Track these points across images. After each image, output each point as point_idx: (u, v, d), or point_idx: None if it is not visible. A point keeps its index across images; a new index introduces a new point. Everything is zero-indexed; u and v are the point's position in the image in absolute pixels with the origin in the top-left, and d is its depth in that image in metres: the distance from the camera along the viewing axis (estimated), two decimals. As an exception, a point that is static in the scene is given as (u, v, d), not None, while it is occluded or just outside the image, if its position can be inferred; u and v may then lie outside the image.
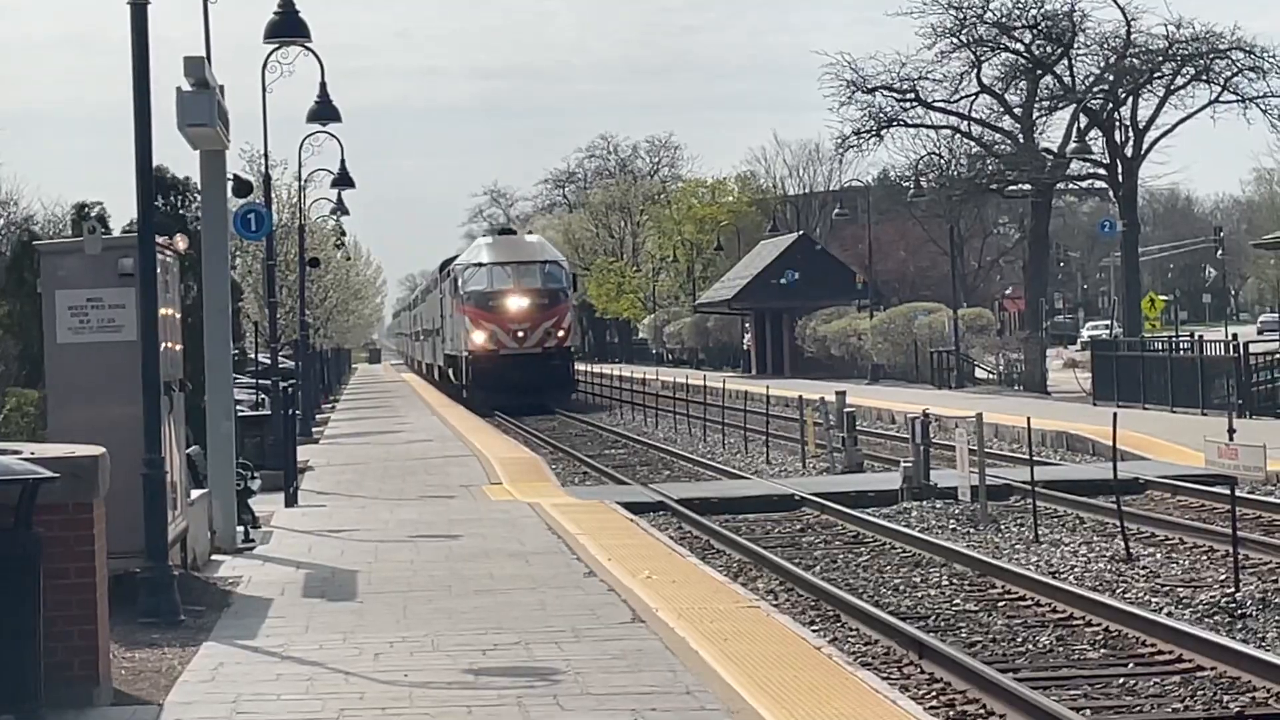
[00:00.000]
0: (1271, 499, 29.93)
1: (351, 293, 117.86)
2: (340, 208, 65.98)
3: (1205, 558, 23.74)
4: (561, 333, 74.80)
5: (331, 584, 20.27)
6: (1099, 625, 19.26)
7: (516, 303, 76.71)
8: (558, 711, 12.93)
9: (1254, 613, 19.59)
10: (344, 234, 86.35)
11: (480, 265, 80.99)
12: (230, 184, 26.58)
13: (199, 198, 24.74)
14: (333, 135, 49.47)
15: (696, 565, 20.67)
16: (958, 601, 21.13)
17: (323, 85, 39.63)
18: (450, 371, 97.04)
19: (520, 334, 75.65)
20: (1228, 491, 25.85)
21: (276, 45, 30.78)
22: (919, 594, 21.67)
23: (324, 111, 40.04)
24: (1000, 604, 20.93)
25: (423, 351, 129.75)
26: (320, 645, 16.02)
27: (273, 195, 46.33)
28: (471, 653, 15.35)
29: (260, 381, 39.31)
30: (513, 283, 76.37)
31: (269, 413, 34.08)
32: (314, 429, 54.25)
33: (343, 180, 55.64)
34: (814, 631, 17.19)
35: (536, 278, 78.01)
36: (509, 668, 14.61)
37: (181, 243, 22.36)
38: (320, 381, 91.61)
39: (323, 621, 17.51)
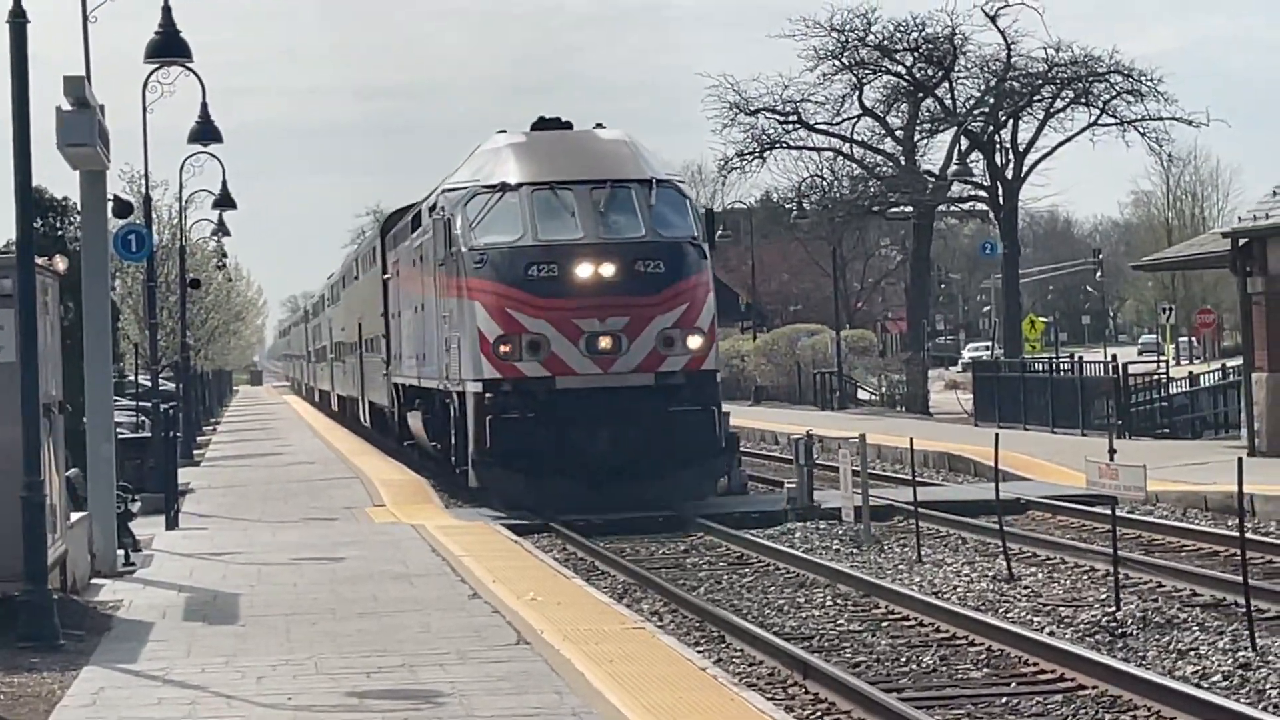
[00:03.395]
0: (1151, 519, 30.14)
1: (233, 314, 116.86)
2: (221, 229, 65.08)
3: (1086, 577, 23.86)
4: (695, 340, 32.93)
5: (213, 607, 20.16)
6: (982, 645, 19.31)
7: (596, 271, 32.00)
8: (438, 736, 12.93)
9: (1134, 631, 19.68)
10: (225, 255, 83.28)
11: (507, 189, 32.94)
12: (110, 204, 26.47)
13: (78, 218, 24.59)
14: (214, 156, 49.30)
15: (582, 587, 20.68)
16: (842, 622, 21.16)
17: (204, 106, 39.42)
18: (417, 420, 41.91)
19: (606, 341, 32.27)
20: (1108, 511, 26.02)
21: (157, 65, 30.65)
22: (803, 614, 21.69)
23: (205, 132, 39.83)
24: (884, 624, 20.98)
25: (331, 378, 76.24)
26: (202, 669, 15.96)
27: (153, 216, 46.01)
28: (355, 675, 15.31)
29: (141, 404, 39.05)
30: (584, 227, 32.45)
31: (149, 435, 33.90)
32: (195, 451, 53.95)
33: (224, 201, 55.35)
34: (699, 653, 17.19)
35: (637, 215, 33.04)
36: (393, 690, 14.58)
37: (61, 263, 22.24)
38: (201, 403, 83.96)
39: (205, 645, 17.43)
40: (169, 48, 28.94)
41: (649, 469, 26.74)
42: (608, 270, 27.06)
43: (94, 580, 22.16)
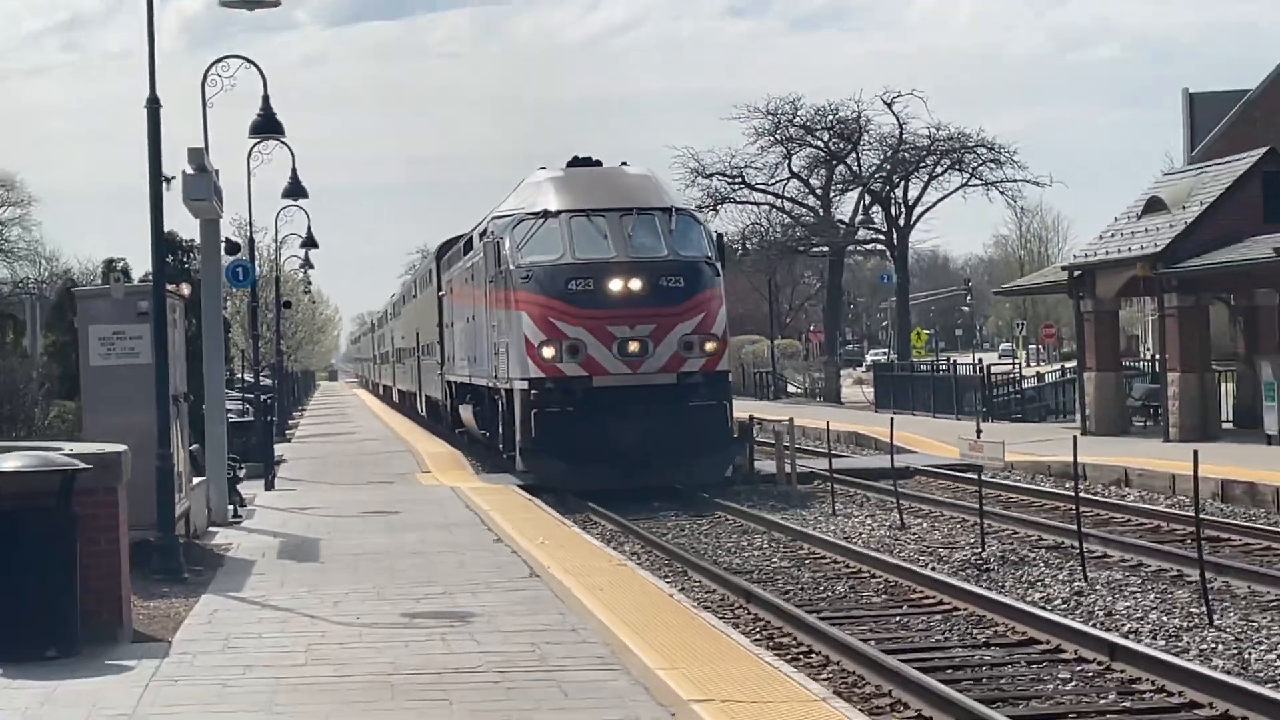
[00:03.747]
0: (1008, 482, 30.19)
1: (316, 328, 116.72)
2: (307, 263, 64.85)
3: (959, 526, 23.89)
4: (713, 344, 31.53)
5: (300, 549, 20.19)
6: (880, 577, 19.41)
7: (627, 286, 30.24)
8: (473, 644, 12.96)
9: (996, 567, 19.80)
10: (310, 283, 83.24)
11: (549, 216, 31.11)
12: (223, 245, 26.56)
13: (199, 255, 24.54)
14: (301, 207, 48.95)
15: (578, 534, 20.66)
16: (775, 560, 21.30)
17: (294, 170, 39.26)
18: (468, 411, 39.10)
19: (635, 345, 30.25)
20: (976, 476, 26.13)
21: (258, 140, 30.51)
22: (746, 554, 21.74)
23: (295, 189, 39.68)
24: (807, 561, 21.07)
25: (395, 374, 73.11)
26: (292, 596, 16.04)
27: (255, 253, 45.74)
28: (408, 601, 15.39)
29: (246, 396, 38.89)
30: (616, 247, 30.75)
31: (252, 419, 33.77)
32: (287, 431, 53.76)
33: (309, 242, 55.23)
34: (668, 583, 17.19)
35: (660, 238, 31.65)
36: (437, 611, 14.65)
37: (186, 289, 22.46)
38: (291, 395, 79.43)
39: (294, 578, 17.51)
40: (267, 126, 28.84)
41: (671, 457, 25.18)
42: (636, 285, 25.47)
43: (210, 529, 22.17)
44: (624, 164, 30.33)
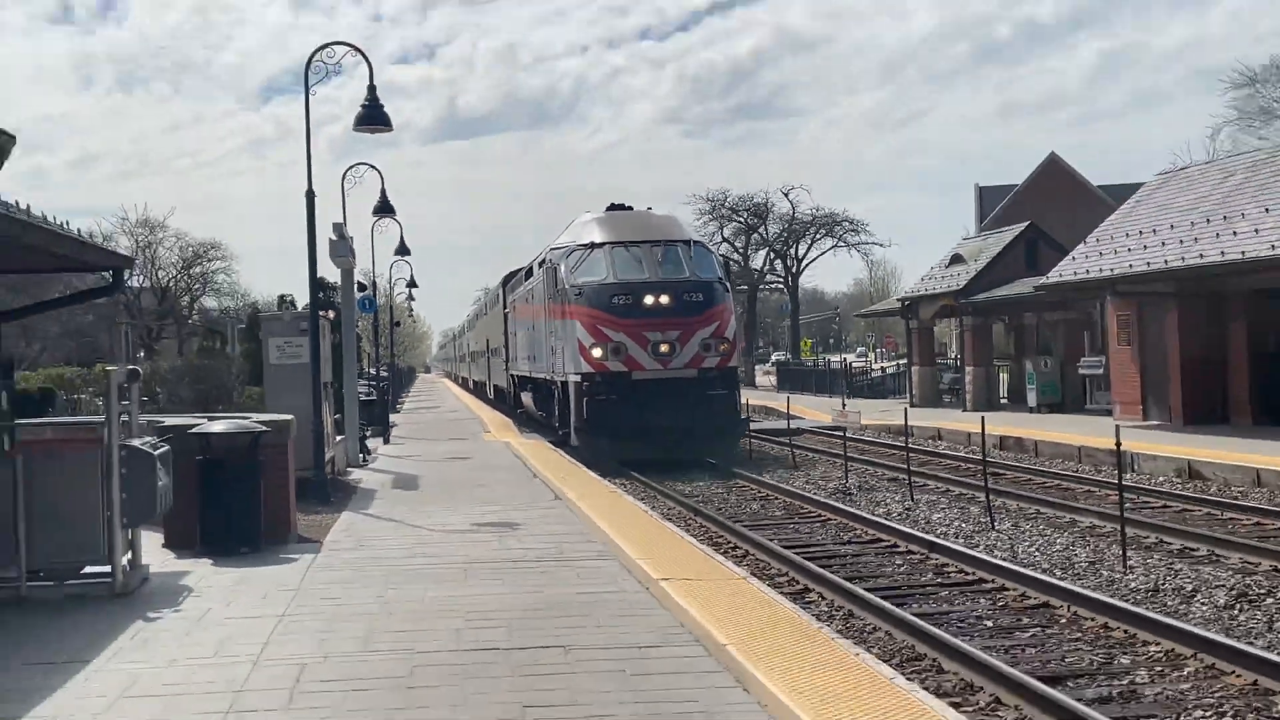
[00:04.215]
0: (864, 438, 30.19)
1: (415, 338, 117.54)
2: (410, 295, 65.43)
3: (832, 467, 23.88)
4: (725, 346, 26.54)
5: (406, 482, 20.19)
6: (779, 499, 19.34)
7: (657, 300, 25.61)
8: (517, 541, 13.02)
9: (855, 493, 19.76)
10: (412, 309, 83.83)
11: (595, 246, 26.67)
12: (356, 285, 26.55)
13: (340, 292, 24.63)
14: (406, 261, 48.90)
15: (586, 472, 20.61)
16: (713, 489, 21.04)
17: (401, 236, 39.18)
18: (528, 397, 35.47)
19: (665, 347, 25.57)
20: (842, 433, 26.18)
21: (378, 217, 30.58)
22: (694, 485, 21.55)
23: (401, 249, 39.68)
24: (733, 490, 20.95)
25: (470, 368, 70.84)
26: (401, 512, 16.06)
27: (376, 290, 45.67)
28: (476, 515, 15.38)
29: (371, 383, 38.77)
30: (649, 271, 26.20)
31: (375, 398, 33.76)
32: (397, 405, 53.88)
33: (412, 283, 55.59)
34: (644, 503, 17.18)
35: (682, 264, 26.79)
36: (494, 522, 14.65)
37: (331, 315, 22.49)
38: (400, 383, 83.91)
39: (402, 501, 17.53)
40: (384, 208, 28.92)
41: (694, 434, 22.80)
42: (665, 299, 23.07)
43: (347, 469, 22.15)
44: (649, 208, 28.59)
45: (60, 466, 10.77)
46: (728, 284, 25.61)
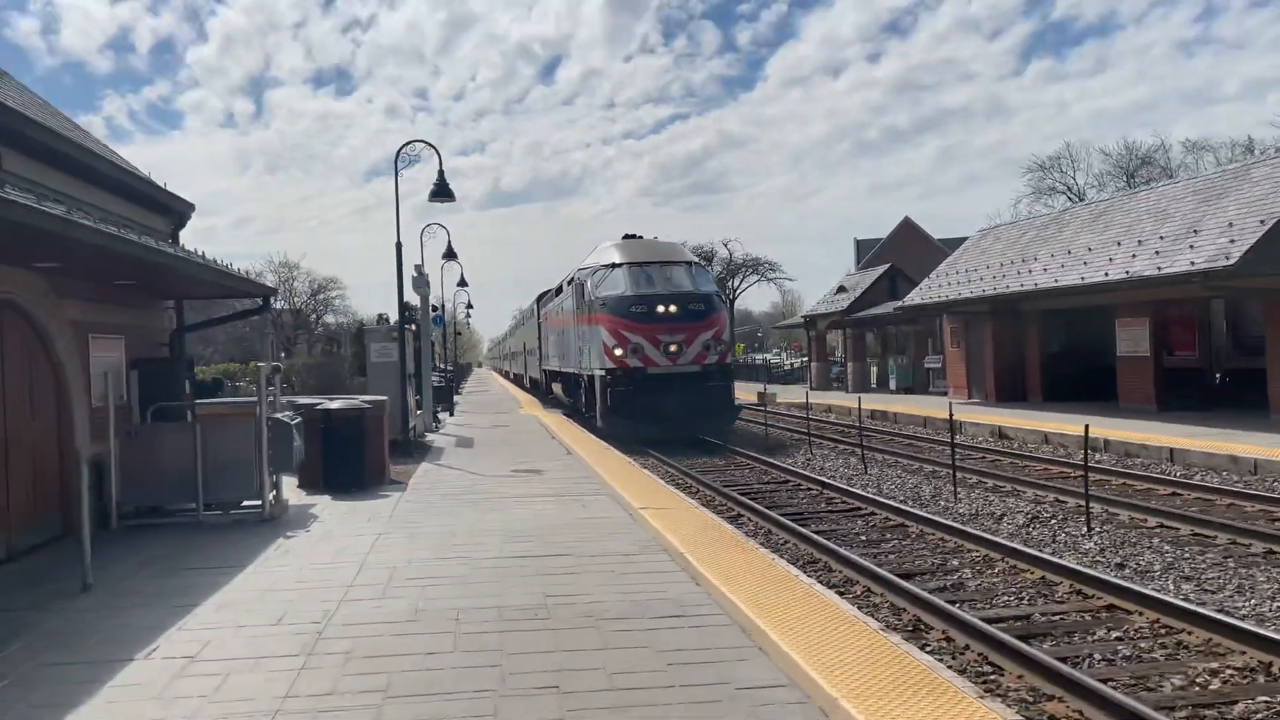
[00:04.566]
0: (780, 411, 30.13)
1: (471, 344, 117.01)
2: (469, 314, 65.52)
3: (758, 429, 23.74)
4: (722, 346, 22.21)
5: (467, 442, 20.00)
6: (720, 453, 19.12)
7: (667, 309, 21.75)
8: (540, 483, 12.85)
9: (775, 448, 19.65)
10: (469, 323, 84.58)
11: (615, 266, 22.70)
12: (430, 308, 26.34)
13: (420, 312, 24.37)
14: (466, 291, 48.87)
15: (593, 437, 20.44)
16: (674, 445, 20.13)
17: (461, 275, 39.23)
18: (559, 387, 30.67)
19: (674, 347, 21.48)
20: (765, 407, 26.09)
21: (445, 261, 30.42)
22: (672, 449, 21.29)
23: (462, 281, 39.67)
24: (688, 446, 20.51)
25: (510, 364, 65.74)
26: (462, 462, 15.86)
27: (444, 311, 45.45)
28: (513, 463, 15.23)
29: (442, 374, 38.57)
30: (660, 286, 22.29)
31: (444, 384, 33.55)
32: (459, 391, 53.75)
33: (469, 305, 55.73)
34: (639, 463, 17.08)
35: (686, 279, 22.44)
36: (527, 469, 14.50)
37: (413, 328, 22.24)
38: (460, 375, 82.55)
39: (463, 455, 17.32)
40: (450, 254, 28.73)
41: (696, 417, 20.17)
42: (674, 309, 20.14)
43: (425, 434, 21.94)
44: (656, 237, 25.41)
45: (226, 432, 10.74)
46: (723, 297, 22.42)
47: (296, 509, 11.32)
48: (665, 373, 20.05)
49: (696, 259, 22.55)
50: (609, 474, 13.17)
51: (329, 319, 73.25)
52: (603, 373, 20.33)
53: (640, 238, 24.99)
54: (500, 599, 6.79)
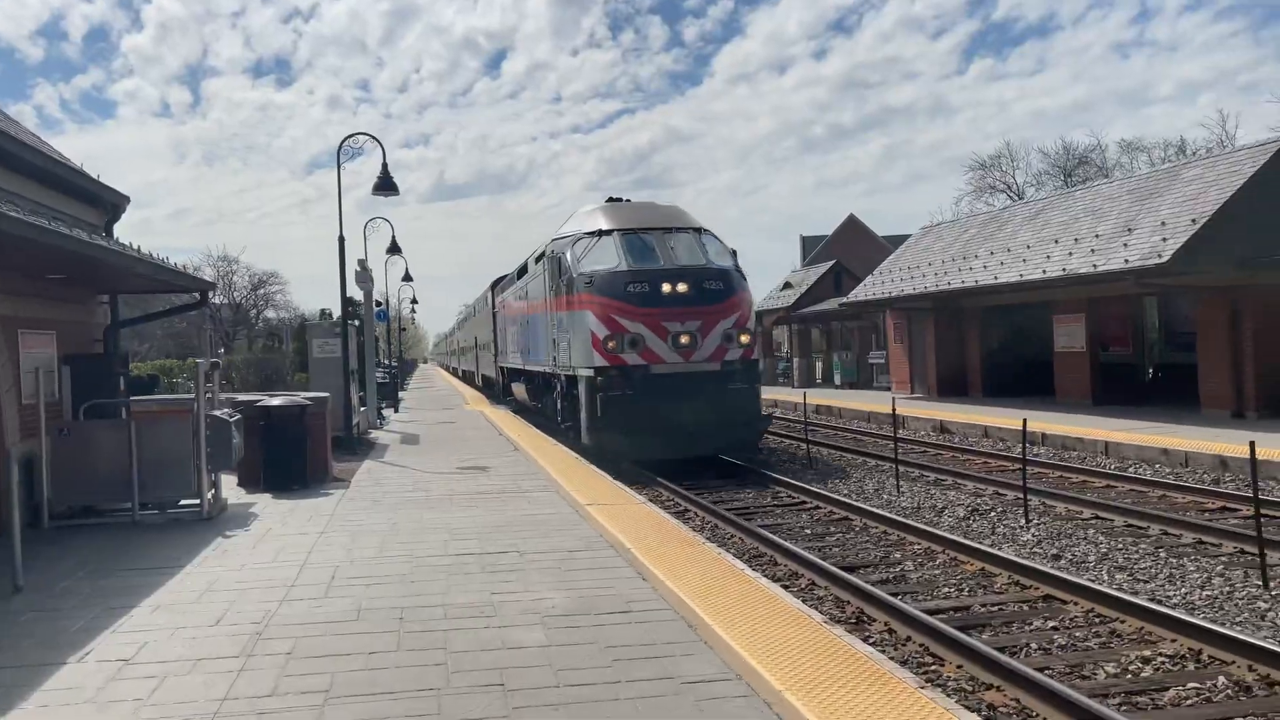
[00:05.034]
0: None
1: (416, 339, 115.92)
2: (413, 309, 64.88)
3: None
4: (746, 337, 15.28)
5: (412, 439, 19.80)
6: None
7: (675, 289, 15.05)
8: (486, 479, 12.75)
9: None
10: (415, 318, 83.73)
11: (604, 234, 16.07)
12: (374, 303, 26.03)
13: (363, 307, 24.08)
14: (411, 286, 48.58)
15: (537, 431, 20.39)
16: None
17: (406, 269, 39.03)
18: (520, 387, 23.95)
19: (685, 338, 14.96)
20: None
21: (390, 255, 30.09)
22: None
23: (407, 277, 39.32)
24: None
25: (459, 361, 59.99)
26: (407, 459, 15.70)
27: (388, 306, 44.97)
28: (459, 460, 15.07)
29: (386, 370, 38.16)
30: (664, 258, 15.45)
31: (389, 381, 33.16)
32: (405, 386, 53.23)
33: (414, 301, 55.38)
34: (577, 456, 17.07)
35: (697, 251, 15.82)
36: (473, 466, 14.38)
37: (356, 323, 21.96)
38: (405, 371, 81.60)
39: (408, 452, 17.14)
40: (394, 249, 28.49)
41: (714, 432, 15.26)
42: (684, 288, 15.34)
43: (368, 430, 21.69)
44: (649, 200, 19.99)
45: (162, 430, 10.52)
46: (743, 272, 16.65)
47: (236, 508, 11.13)
48: (675, 372, 15.12)
49: (705, 226, 17.24)
50: (556, 470, 13.14)
51: (270, 314, 71.98)
52: (590, 372, 15.31)
53: (628, 201, 19.25)
54: (445, 597, 6.74)
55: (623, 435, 14.99)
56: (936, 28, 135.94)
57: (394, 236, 27.81)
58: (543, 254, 18.58)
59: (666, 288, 15.23)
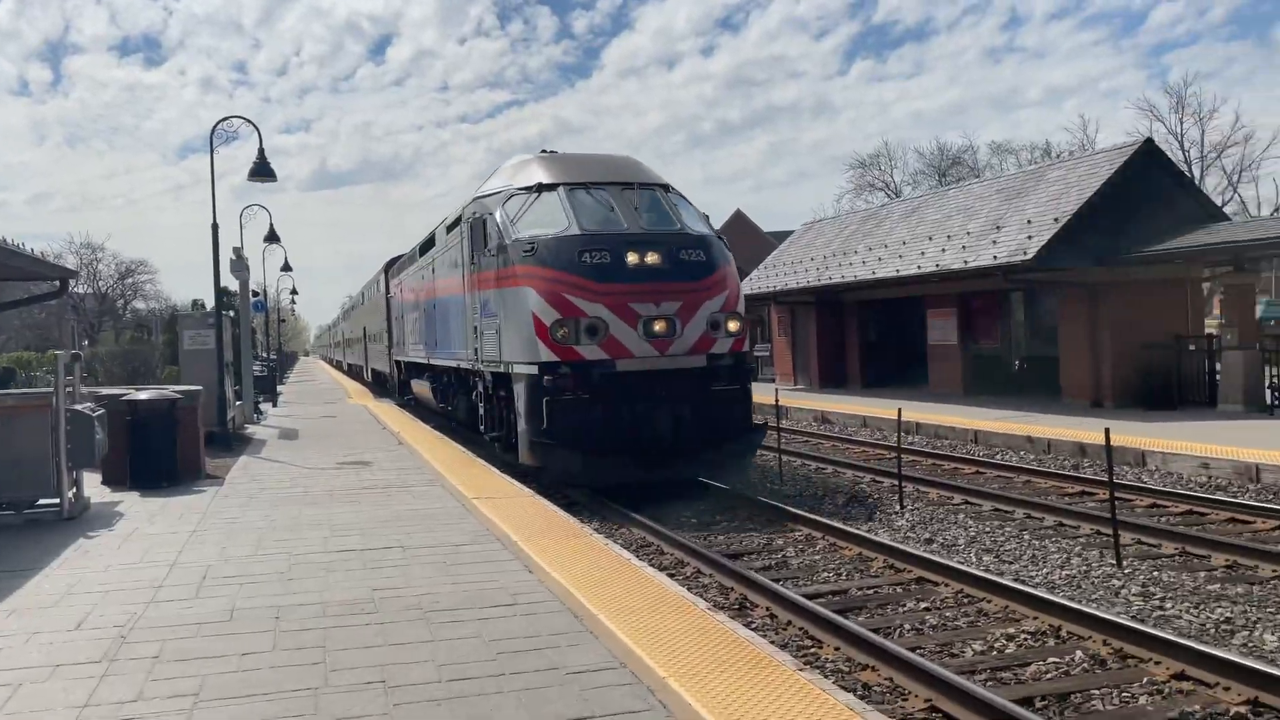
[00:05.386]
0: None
1: (296, 331, 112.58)
2: (293, 300, 62.98)
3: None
4: (737, 324, 10.84)
5: (289, 434, 19.20)
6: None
7: (643, 260, 10.34)
8: (369, 474, 12.49)
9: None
10: (294, 310, 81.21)
11: (546, 189, 11.17)
12: (250, 293, 25.10)
13: (239, 298, 23.21)
14: (291, 276, 46.96)
15: (420, 423, 20.04)
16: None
17: (285, 258, 37.67)
18: (423, 386, 19.28)
19: (661, 324, 10.48)
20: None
21: (268, 244, 29.08)
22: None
23: (286, 266, 38.09)
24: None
25: (345, 353, 53.39)
26: (284, 455, 15.24)
27: (266, 296, 43.46)
28: (339, 456, 14.73)
29: (264, 363, 36.90)
30: (627, 220, 10.68)
31: (267, 373, 32.08)
32: (284, 380, 51.53)
33: (294, 291, 53.51)
34: (465, 449, 16.87)
35: (668, 213, 11.06)
36: (354, 461, 14.07)
37: (231, 314, 21.15)
38: (285, 363, 79.45)
39: (286, 448, 16.62)
40: (272, 237, 27.55)
41: (699, 448, 11.47)
42: (656, 259, 11.36)
43: (245, 425, 20.93)
44: None
45: (18, 425, 9.93)
46: (726, 241, 12.47)
47: (100, 507, 10.59)
48: (648, 369, 11.22)
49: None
50: (442, 465, 12.94)
51: (139, 305, 68.80)
52: (532, 369, 11.26)
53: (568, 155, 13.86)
54: (324, 595, 6.57)
55: (578, 454, 10.92)
56: (820, 28, 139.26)
57: (272, 224, 26.95)
58: (459, 219, 14.39)
59: (633, 258, 11.21)
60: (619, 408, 11.11)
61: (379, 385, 32.50)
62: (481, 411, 13.83)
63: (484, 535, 8.39)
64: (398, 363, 24.87)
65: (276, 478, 12.60)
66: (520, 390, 11.53)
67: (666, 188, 12.60)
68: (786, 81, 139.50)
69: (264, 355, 43.75)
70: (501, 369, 12.18)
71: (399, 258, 25.47)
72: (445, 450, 14.81)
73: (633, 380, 11.16)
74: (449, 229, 15.47)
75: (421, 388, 20.07)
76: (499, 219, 12.09)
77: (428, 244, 18.52)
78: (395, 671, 4.96)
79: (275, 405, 28.97)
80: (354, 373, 47.74)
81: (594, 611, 5.69)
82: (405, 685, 4.76)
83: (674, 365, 11.25)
